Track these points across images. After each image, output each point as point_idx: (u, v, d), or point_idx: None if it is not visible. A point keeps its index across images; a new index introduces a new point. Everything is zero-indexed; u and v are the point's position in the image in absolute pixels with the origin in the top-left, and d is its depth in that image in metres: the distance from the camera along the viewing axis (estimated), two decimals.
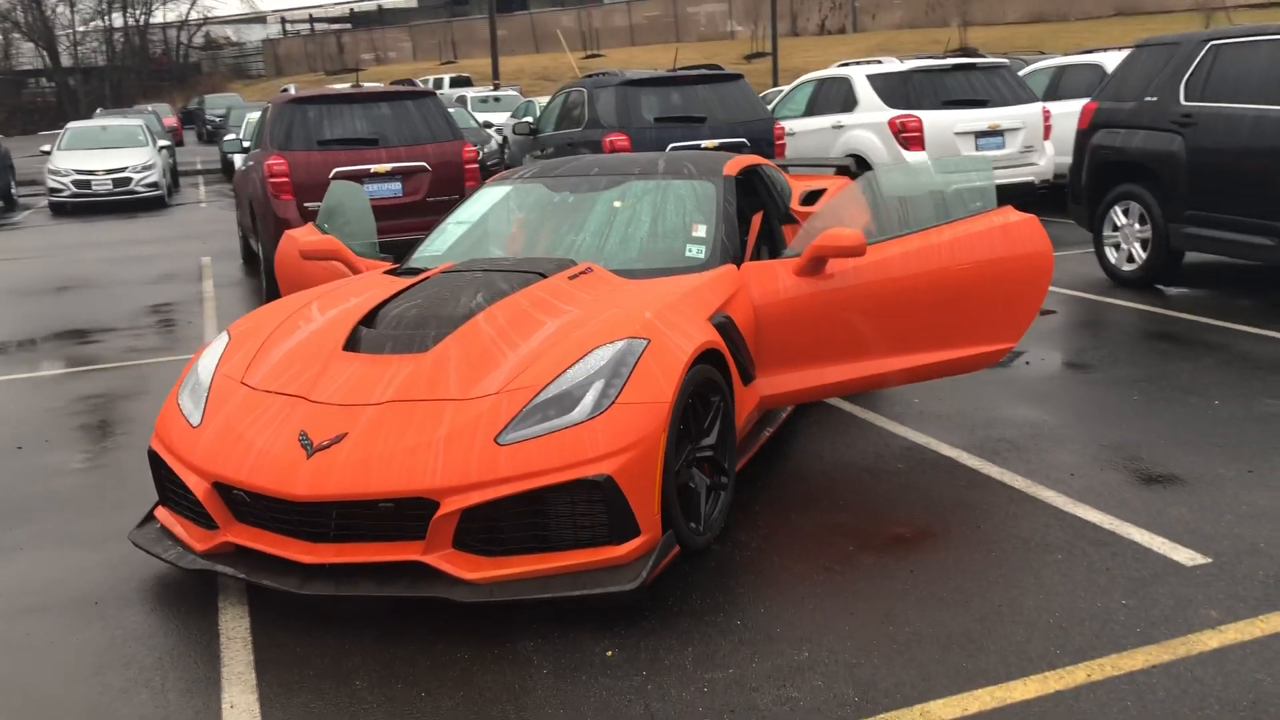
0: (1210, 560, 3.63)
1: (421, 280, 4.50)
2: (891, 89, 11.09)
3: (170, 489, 3.96)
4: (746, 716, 2.92)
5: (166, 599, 3.83)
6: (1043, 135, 11.14)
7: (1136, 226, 8.05)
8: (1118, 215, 8.19)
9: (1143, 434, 4.90)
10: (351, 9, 74.84)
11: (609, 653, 3.29)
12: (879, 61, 12.00)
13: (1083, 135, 8.56)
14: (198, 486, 3.72)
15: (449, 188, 9.25)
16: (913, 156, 10.56)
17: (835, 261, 4.59)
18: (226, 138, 21.10)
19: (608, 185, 5.20)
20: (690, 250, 4.77)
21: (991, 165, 5.03)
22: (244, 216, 10.68)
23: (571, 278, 4.38)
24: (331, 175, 8.81)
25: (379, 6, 73.31)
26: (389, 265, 5.38)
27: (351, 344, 4.00)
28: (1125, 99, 8.18)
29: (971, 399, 5.57)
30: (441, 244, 5.25)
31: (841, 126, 11.52)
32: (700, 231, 4.87)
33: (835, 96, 11.87)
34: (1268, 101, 7.02)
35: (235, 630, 3.58)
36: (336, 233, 5.86)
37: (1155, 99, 7.86)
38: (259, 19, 78.40)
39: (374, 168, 8.95)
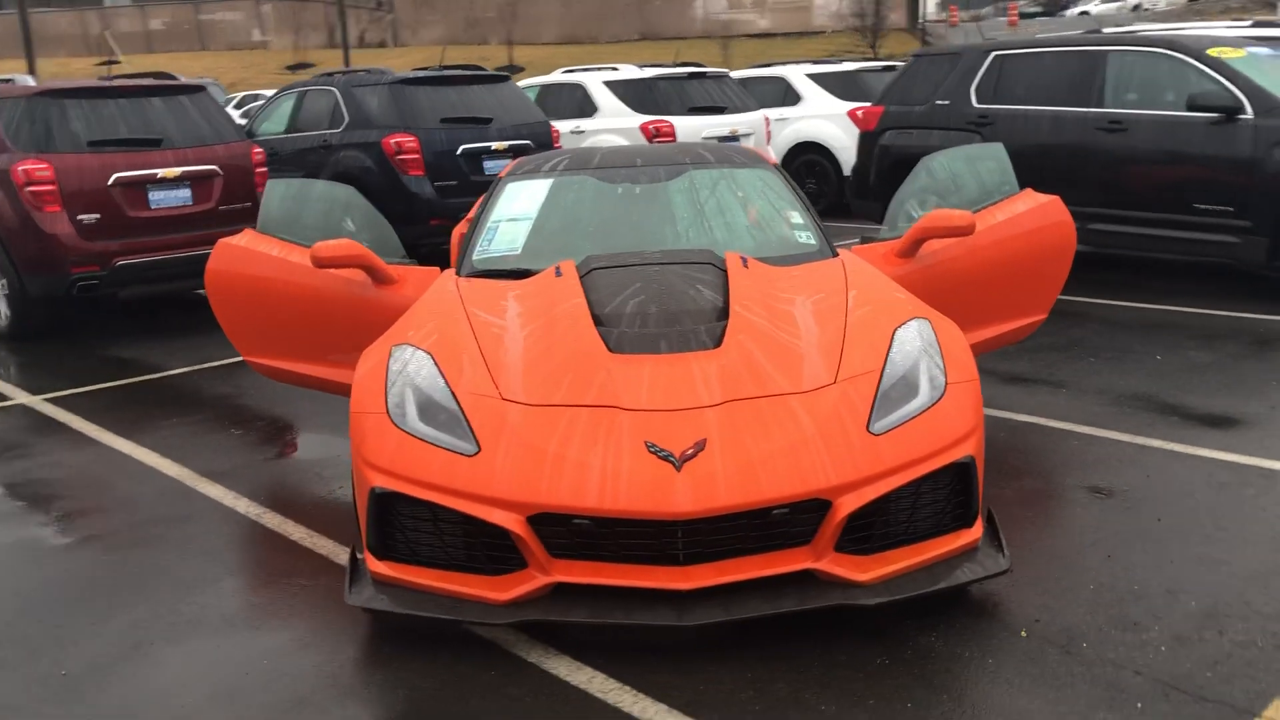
0: None
1: (584, 277, 4.04)
2: (637, 95, 11.36)
3: (426, 536, 3.28)
4: (1234, 666, 3.02)
5: (421, 679, 3.18)
6: (765, 140, 11.96)
7: None
8: (914, 208, 9.03)
9: (1142, 385, 5.56)
10: None
11: (1023, 633, 3.24)
12: (614, 68, 12.22)
13: (869, 136, 9.35)
14: (509, 521, 3.13)
15: (240, 194, 8.17)
16: None
17: (927, 242, 4.78)
18: None
19: (669, 175, 4.96)
20: (800, 237, 4.71)
21: (1004, 151, 5.45)
22: None
23: (744, 266, 4.17)
24: (111, 182, 7.47)
25: None
26: (428, 269, 4.76)
27: (611, 347, 3.55)
28: (914, 103, 9.07)
29: None
30: (508, 243, 4.71)
31: (583, 131, 11.59)
32: (797, 218, 4.82)
33: (568, 102, 11.92)
34: (1060, 104, 8.14)
35: (601, 685, 3.06)
36: (304, 238, 5.03)
37: (948, 102, 8.80)
38: None
39: (160, 172, 7.68)
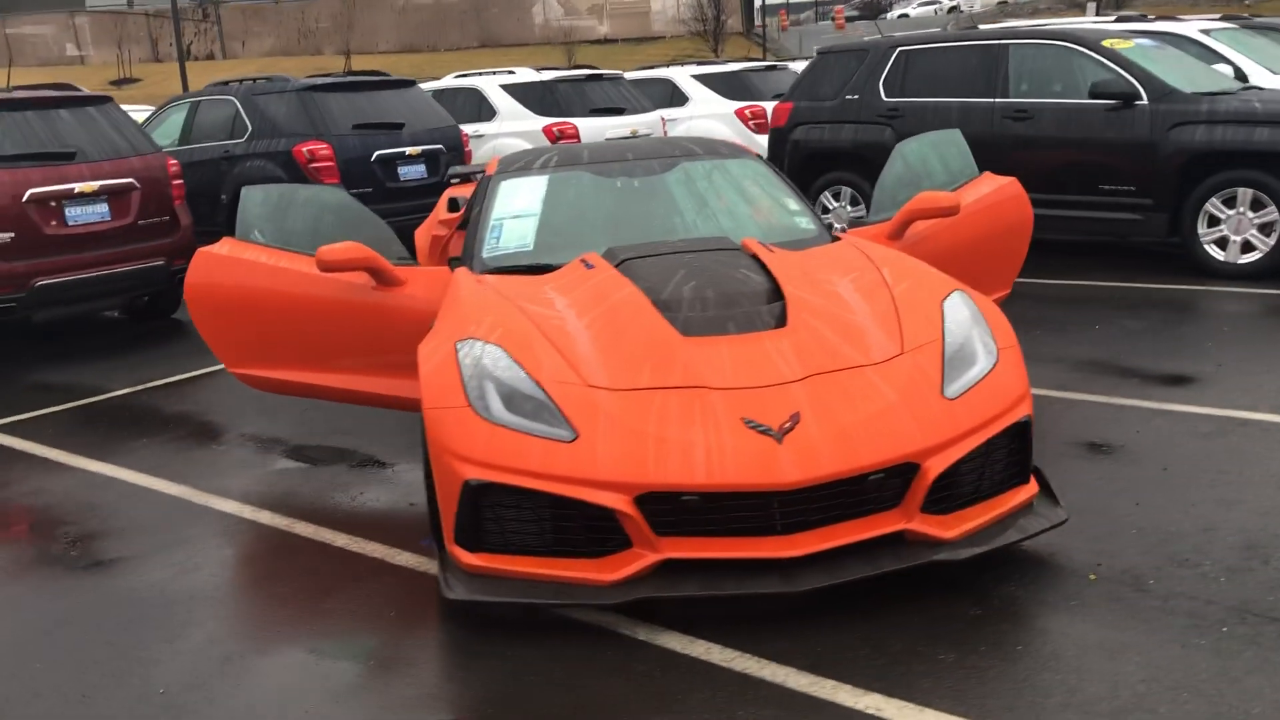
0: None
1: (620, 266, 4.11)
2: (538, 97, 11.39)
3: (523, 524, 3.30)
4: None
5: (542, 665, 3.21)
6: None
7: (849, 208, 9.29)
8: (829, 199, 9.37)
9: (1093, 353, 5.94)
10: None
11: (1091, 576, 3.47)
12: (511, 72, 12.16)
13: (781, 132, 9.64)
14: (616, 502, 3.18)
15: (158, 208, 7.84)
16: None
17: (913, 224, 5.01)
18: None
19: (663, 168, 5.07)
20: (801, 223, 4.87)
21: (963, 136, 5.75)
22: None
23: (769, 251, 4.31)
24: (26, 198, 7.09)
25: None
26: (435, 269, 4.72)
27: (682, 331, 3.63)
28: (823, 98, 9.39)
29: None
30: (518, 239, 4.72)
31: (482, 135, 11.54)
32: (794, 205, 4.98)
33: (464, 107, 11.85)
34: (966, 95, 8.58)
35: (721, 655, 3.14)
36: (290, 244, 4.92)
37: (857, 97, 9.15)
38: None
39: (78, 187, 7.32)
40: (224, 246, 4.91)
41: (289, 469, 4.98)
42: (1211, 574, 3.43)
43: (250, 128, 9.57)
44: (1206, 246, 7.65)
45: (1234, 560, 3.50)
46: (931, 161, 5.55)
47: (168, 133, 10.32)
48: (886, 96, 9.01)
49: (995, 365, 3.59)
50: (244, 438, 5.48)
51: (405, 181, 9.50)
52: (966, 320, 3.72)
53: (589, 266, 4.21)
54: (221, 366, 6.91)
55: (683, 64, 14.80)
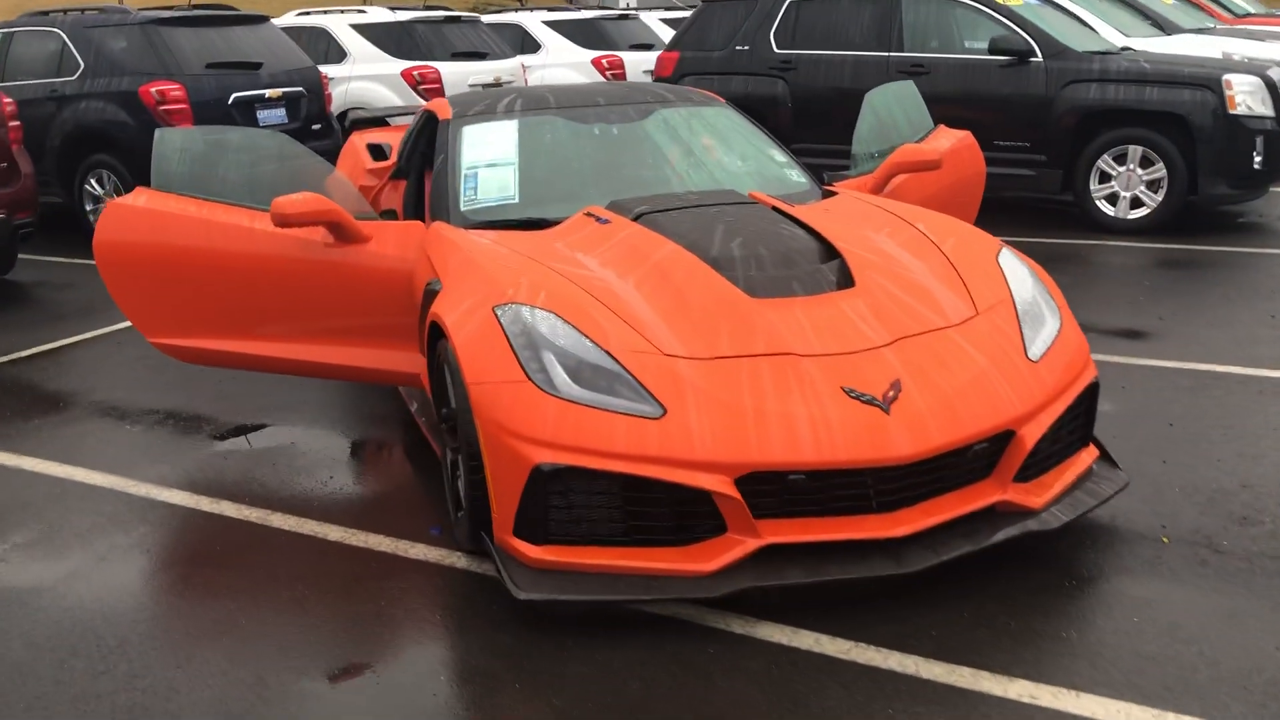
0: None
1: (641, 220, 3.76)
2: (394, 39, 10.66)
3: (599, 511, 2.95)
4: None
5: (643, 669, 2.89)
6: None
7: None
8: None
9: None
10: None
11: (1164, 539, 3.40)
12: (362, 10, 11.24)
13: (667, 83, 9.32)
14: (716, 484, 2.87)
15: None
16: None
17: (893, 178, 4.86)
18: None
19: (639, 115, 4.70)
20: (791, 175, 4.62)
21: (916, 90, 5.63)
22: None
23: (789, 205, 4.04)
24: None
25: None
26: (406, 223, 4.21)
27: (749, 292, 3.32)
28: (711, 49, 9.13)
29: None
30: (499, 191, 4.27)
31: (332, 79, 10.72)
32: (780, 156, 4.73)
33: (310, 48, 10.97)
34: (860, 48, 8.51)
35: (833, 646, 2.89)
36: (224, 195, 4.32)
37: (747, 48, 8.94)
38: None
39: None
40: (140, 197, 4.28)
41: (230, 451, 4.39)
42: (1277, 531, 3.41)
43: (83, 64, 8.52)
44: (1098, 202, 7.86)
45: None
46: (895, 113, 5.39)
47: None
48: (778, 48, 8.85)
49: (1063, 326, 3.45)
50: (158, 416, 4.81)
51: (265, 127, 8.68)
52: (1027, 278, 3.57)
53: (602, 221, 3.83)
54: (94, 334, 6.12)
55: (492, 10, 14.28)
